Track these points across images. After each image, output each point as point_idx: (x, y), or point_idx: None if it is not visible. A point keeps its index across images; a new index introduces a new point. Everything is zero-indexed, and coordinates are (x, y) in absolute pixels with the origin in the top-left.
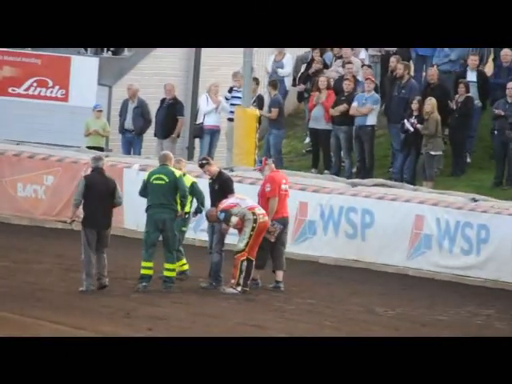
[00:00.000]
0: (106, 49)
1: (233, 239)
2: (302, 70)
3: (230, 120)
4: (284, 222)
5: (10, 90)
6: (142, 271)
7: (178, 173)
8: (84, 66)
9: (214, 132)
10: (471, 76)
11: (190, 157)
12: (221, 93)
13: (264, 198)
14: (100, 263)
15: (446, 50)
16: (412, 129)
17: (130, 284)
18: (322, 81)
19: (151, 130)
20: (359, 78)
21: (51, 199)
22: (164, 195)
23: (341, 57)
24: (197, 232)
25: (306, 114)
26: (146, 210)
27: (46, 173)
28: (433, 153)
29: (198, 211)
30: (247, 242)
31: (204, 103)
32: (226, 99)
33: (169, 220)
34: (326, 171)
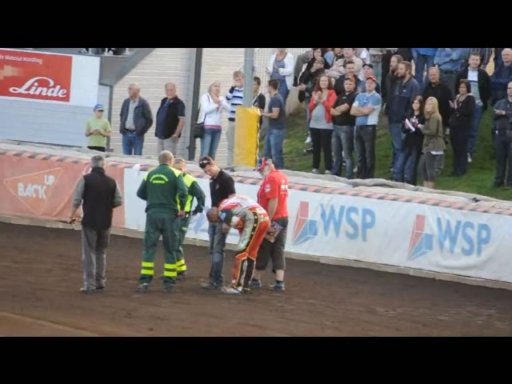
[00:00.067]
0: (107, 48)
1: (234, 239)
2: (303, 69)
3: (231, 120)
4: (283, 223)
5: (11, 89)
6: (143, 271)
7: (177, 172)
8: (85, 65)
9: (215, 132)
10: (472, 76)
11: (191, 157)
12: (222, 92)
13: (263, 199)
14: (99, 264)
15: (448, 49)
16: (413, 128)
17: (131, 284)
18: (323, 80)
19: (152, 130)
20: (360, 77)
21: (52, 199)
22: (163, 195)
23: (342, 56)
24: (197, 232)
25: (307, 113)
26: (146, 210)
27: (47, 173)
28: (434, 152)
29: (198, 210)
30: (248, 242)
31: (205, 103)
32: (228, 99)
33: (168, 220)
34: (326, 171)
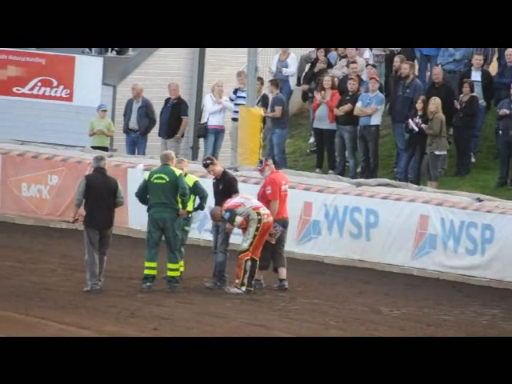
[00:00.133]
0: (110, 48)
1: (237, 239)
2: (307, 69)
3: (234, 120)
4: (284, 223)
5: (14, 89)
6: (146, 271)
7: (178, 172)
8: (88, 65)
9: (219, 132)
10: (476, 76)
11: (195, 157)
12: (225, 92)
13: (264, 200)
14: (99, 265)
15: (451, 49)
16: (416, 128)
17: (135, 284)
18: (326, 80)
19: (155, 130)
20: (363, 77)
21: (56, 199)
22: (164, 194)
23: (345, 56)
24: (201, 232)
25: (310, 113)
26: (148, 210)
27: (51, 173)
28: (437, 152)
29: (200, 208)
30: (251, 242)
31: (209, 103)
32: (231, 100)
33: (169, 219)
34: (330, 171)
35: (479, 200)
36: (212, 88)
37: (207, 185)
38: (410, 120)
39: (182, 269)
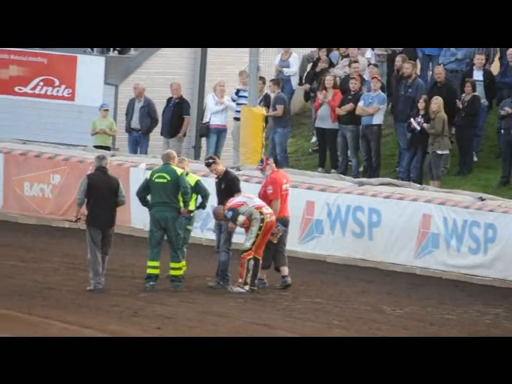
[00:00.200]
0: (112, 48)
1: (240, 238)
2: (308, 69)
3: (236, 119)
4: (285, 222)
5: (16, 89)
6: (148, 271)
7: (179, 171)
8: (90, 65)
9: (221, 131)
10: (477, 75)
11: (197, 156)
12: (227, 92)
13: (266, 200)
14: (101, 264)
15: (453, 49)
16: (418, 128)
17: (138, 283)
18: (328, 80)
19: (158, 129)
20: (365, 77)
21: (58, 198)
22: (166, 194)
23: (347, 56)
24: (204, 231)
25: (312, 113)
26: (149, 209)
27: (53, 172)
28: (439, 152)
29: (201, 207)
30: (254, 241)
31: (211, 102)
32: (233, 100)
33: (171, 218)
34: (332, 170)
35: (482, 199)
36: (214, 87)
37: (209, 184)
38: (412, 119)
39: (184, 268)
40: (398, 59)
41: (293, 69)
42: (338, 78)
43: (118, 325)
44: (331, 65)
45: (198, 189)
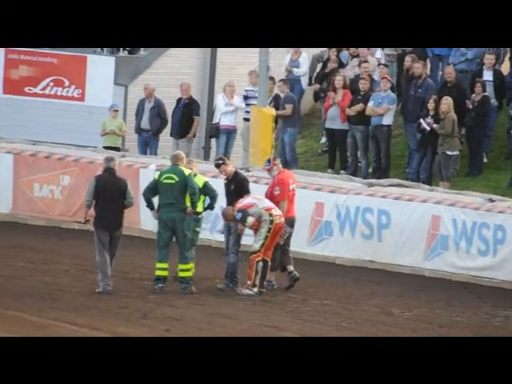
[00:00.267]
0: (121, 48)
1: (249, 240)
2: (318, 69)
3: (246, 120)
4: (292, 222)
5: (26, 89)
6: (157, 272)
7: (187, 172)
8: (100, 65)
9: (231, 132)
10: (487, 75)
11: (206, 157)
12: (237, 92)
13: (273, 200)
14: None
15: (463, 49)
16: (428, 128)
17: (147, 285)
18: (338, 80)
19: (167, 130)
20: (375, 77)
21: (68, 199)
22: (173, 195)
23: (357, 56)
24: (213, 233)
25: (322, 113)
26: (157, 211)
27: (63, 173)
28: (449, 153)
29: (210, 208)
30: (263, 243)
31: (221, 103)
32: (244, 99)
33: (178, 219)
34: (342, 171)
35: (491, 200)
36: (223, 88)
37: (217, 185)
38: (421, 120)
39: (193, 270)
40: (408, 59)
41: (303, 69)
42: (347, 79)
43: (126, 327)
44: (341, 65)
45: (206, 190)
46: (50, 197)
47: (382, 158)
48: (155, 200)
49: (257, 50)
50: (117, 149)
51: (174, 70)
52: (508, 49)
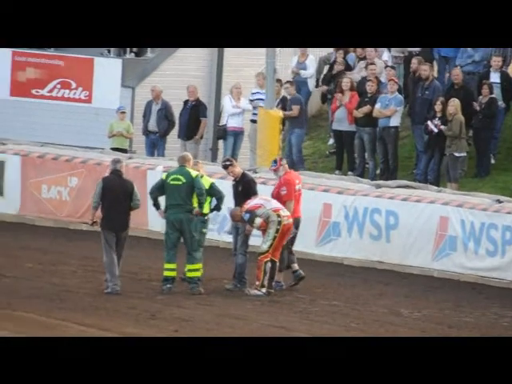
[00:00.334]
0: (128, 50)
1: (257, 241)
2: (325, 71)
3: (253, 121)
4: (297, 223)
5: (33, 91)
6: (165, 273)
7: (194, 173)
8: (107, 67)
9: (238, 133)
10: (494, 77)
11: (214, 158)
12: (244, 94)
13: (279, 201)
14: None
15: (470, 50)
16: (436, 130)
17: (155, 286)
18: (345, 82)
19: (175, 132)
20: (382, 79)
21: (75, 201)
22: (180, 196)
23: (364, 58)
24: (221, 234)
25: (329, 115)
26: (164, 212)
27: (70, 174)
28: (457, 154)
29: (216, 209)
30: (271, 244)
31: (228, 104)
32: (251, 101)
33: (185, 220)
34: (349, 173)
35: (499, 201)
36: (230, 90)
37: (224, 186)
38: (429, 122)
39: (201, 271)
40: (414, 61)
41: (310, 71)
42: (354, 81)
43: (135, 327)
44: (348, 67)
45: (213, 191)
46: (57, 198)
47: (390, 160)
48: (162, 200)
49: (264, 51)
50: (124, 150)
51: (180, 72)
52: None
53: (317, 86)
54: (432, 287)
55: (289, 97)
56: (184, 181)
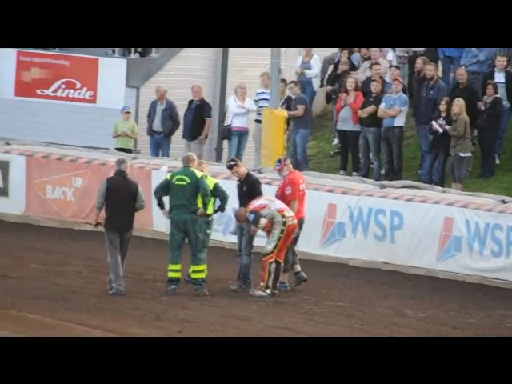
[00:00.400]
0: (133, 50)
1: (262, 241)
2: (330, 71)
3: (258, 122)
4: (300, 223)
5: (38, 91)
6: (170, 274)
7: (199, 174)
8: (112, 67)
9: (242, 133)
10: (499, 77)
11: (219, 158)
12: (248, 94)
13: (283, 201)
14: None
15: (474, 50)
16: (440, 130)
17: (160, 286)
18: (349, 82)
19: (179, 132)
20: (387, 79)
21: (80, 201)
22: (185, 196)
23: (368, 58)
24: (225, 234)
25: (333, 115)
26: (169, 212)
27: (75, 175)
28: (461, 154)
29: (220, 209)
30: (276, 245)
31: (233, 104)
32: (255, 101)
33: (190, 221)
34: (354, 173)
35: (504, 202)
36: (235, 90)
37: (228, 187)
38: (433, 121)
39: (206, 272)
40: (419, 61)
41: (314, 71)
42: (359, 81)
43: (139, 328)
44: (352, 67)
45: (217, 192)
46: (62, 198)
47: (395, 160)
48: (166, 200)
49: (268, 51)
50: (129, 151)
51: (185, 72)
52: None
53: (321, 85)
54: (437, 288)
55: (293, 97)
56: (189, 181)
